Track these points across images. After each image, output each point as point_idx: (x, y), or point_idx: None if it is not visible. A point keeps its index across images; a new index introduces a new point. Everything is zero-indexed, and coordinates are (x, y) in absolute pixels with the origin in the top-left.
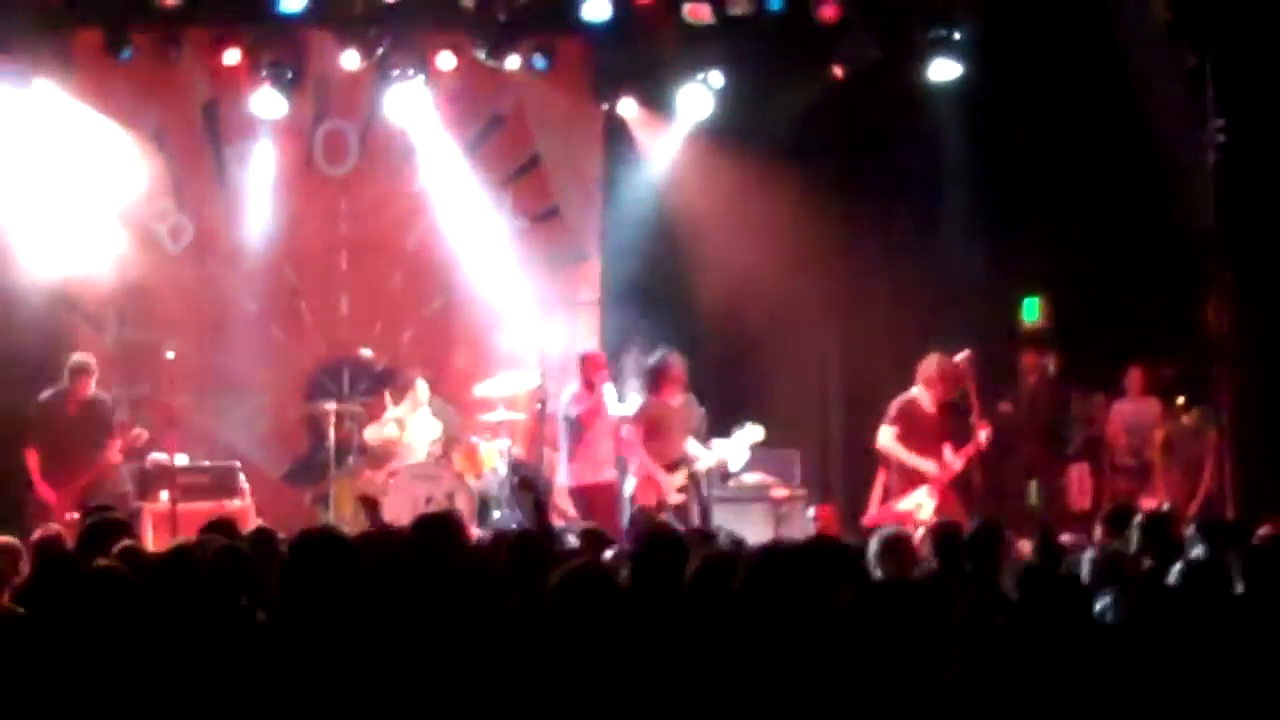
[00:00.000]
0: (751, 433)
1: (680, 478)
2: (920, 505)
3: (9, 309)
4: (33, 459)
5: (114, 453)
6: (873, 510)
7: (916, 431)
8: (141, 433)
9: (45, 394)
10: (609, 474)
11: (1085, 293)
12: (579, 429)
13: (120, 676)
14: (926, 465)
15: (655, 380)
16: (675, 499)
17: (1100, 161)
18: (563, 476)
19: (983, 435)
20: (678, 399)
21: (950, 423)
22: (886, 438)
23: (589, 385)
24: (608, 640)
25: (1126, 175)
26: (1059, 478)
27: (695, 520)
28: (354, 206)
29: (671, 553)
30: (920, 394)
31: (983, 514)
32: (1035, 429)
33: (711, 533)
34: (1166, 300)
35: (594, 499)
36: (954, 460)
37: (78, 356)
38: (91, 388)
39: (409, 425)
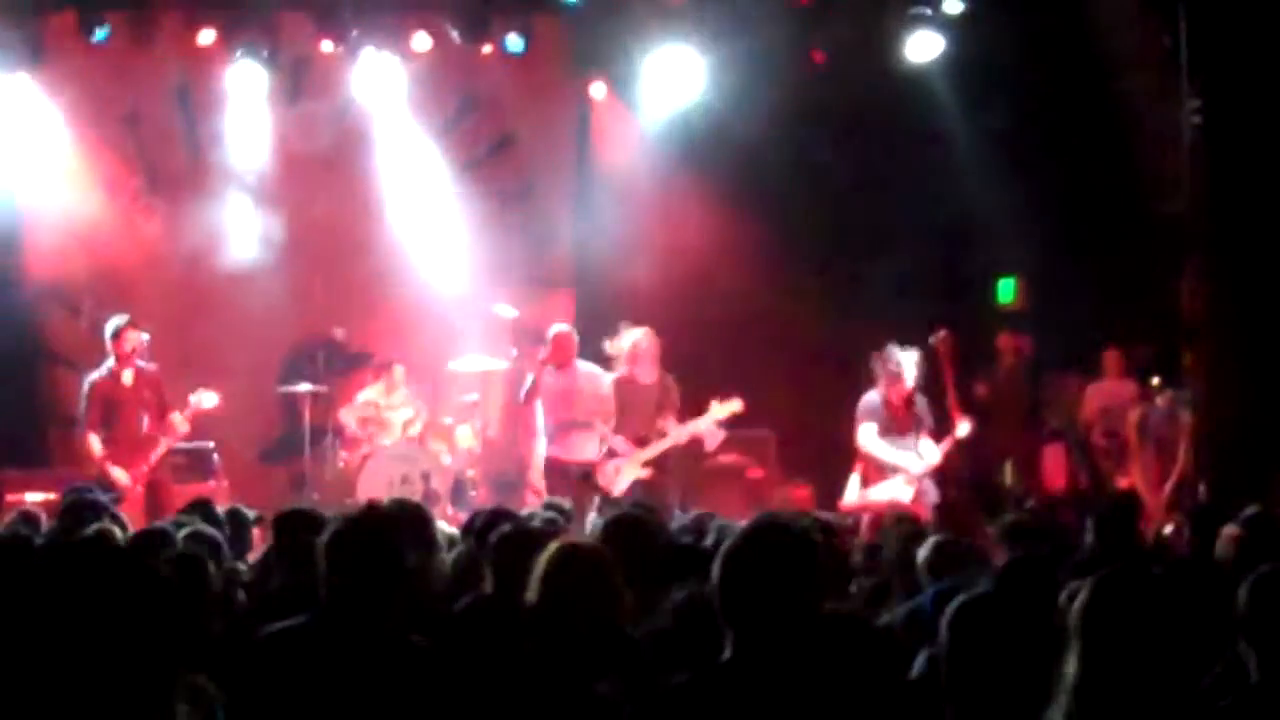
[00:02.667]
0: (728, 406)
1: (647, 454)
2: (897, 495)
3: None
4: (94, 443)
5: (180, 423)
6: (850, 497)
7: (892, 422)
8: (202, 397)
9: (94, 374)
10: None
11: (1060, 274)
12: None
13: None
14: (906, 463)
15: (626, 358)
16: (641, 473)
17: (1075, 143)
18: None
19: (963, 429)
20: (649, 377)
21: (922, 418)
22: (867, 437)
23: (559, 363)
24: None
25: (1101, 157)
26: (1034, 459)
27: (672, 499)
28: (328, 188)
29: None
30: (882, 390)
31: (959, 496)
32: (1010, 410)
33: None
34: (1141, 282)
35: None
36: (933, 454)
37: (130, 334)
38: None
39: (385, 406)
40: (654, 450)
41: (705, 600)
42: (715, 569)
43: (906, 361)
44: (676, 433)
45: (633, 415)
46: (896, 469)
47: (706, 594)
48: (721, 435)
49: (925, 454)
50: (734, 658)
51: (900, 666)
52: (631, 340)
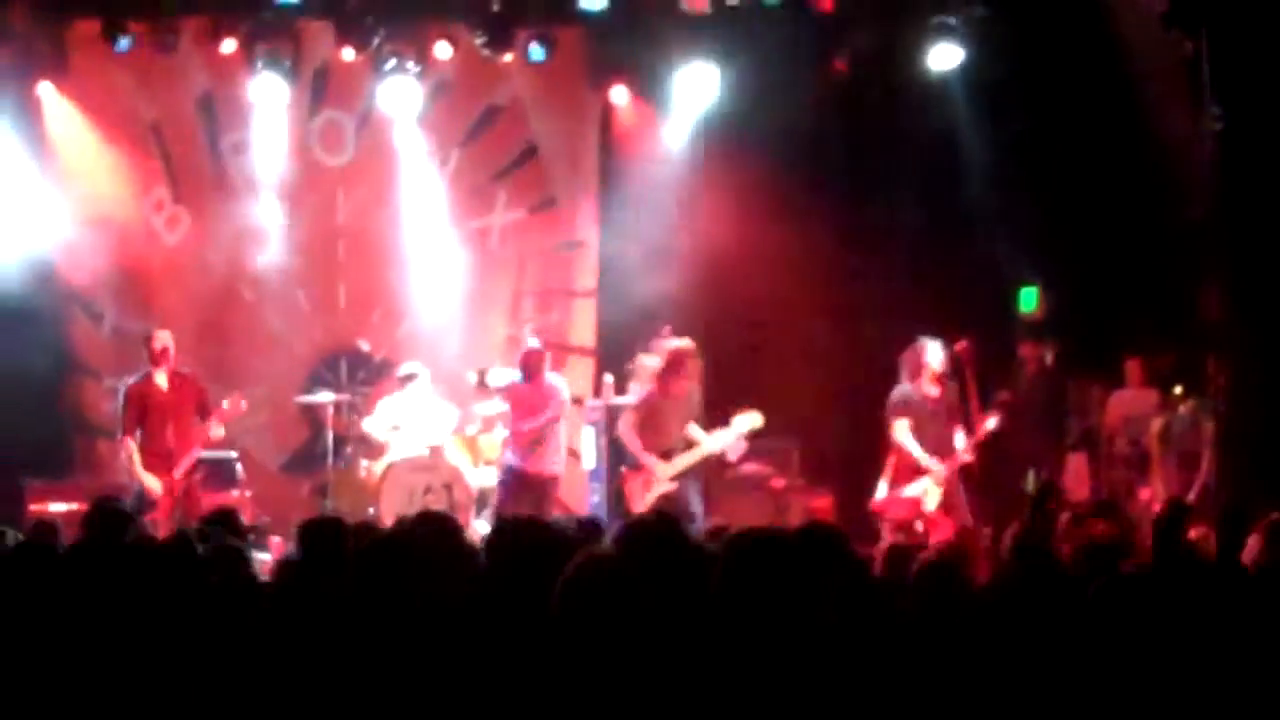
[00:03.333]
0: (750, 419)
1: (674, 467)
2: (927, 492)
3: (7, 301)
4: (132, 448)
5: (217, 427)
6: (880, 495)
7: (924, 420)
8: (239, 399)
9: (131, 379)
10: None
11: (1083, 282)
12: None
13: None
14: (935, 466)
15: (663, 370)
16: (667, 487)
17: (1097, 151)
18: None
19: (990, 423)
20: (682, 389)
21: (953, 408)
22: (901, 431)
23: (528, 376)
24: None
25: (1123, 164)
26: (1056, 467)
27: (695, 508)
28: (351, 197)
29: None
30: (911, 386)
31: (983, 503)
32: (1033, 419)
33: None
34: (1163, 290)
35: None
36: (964, 451)
37: (159, 334)
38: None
39: (408, 417)
40: (682, 463)
41: None
42: None
43: (934, 351)
44: (703, 446)
45: (662, 429)
46: (928, 469)
47: None
48: (744, 446)
49: (958, 447)
50: None
51: None
52: (669, 351)
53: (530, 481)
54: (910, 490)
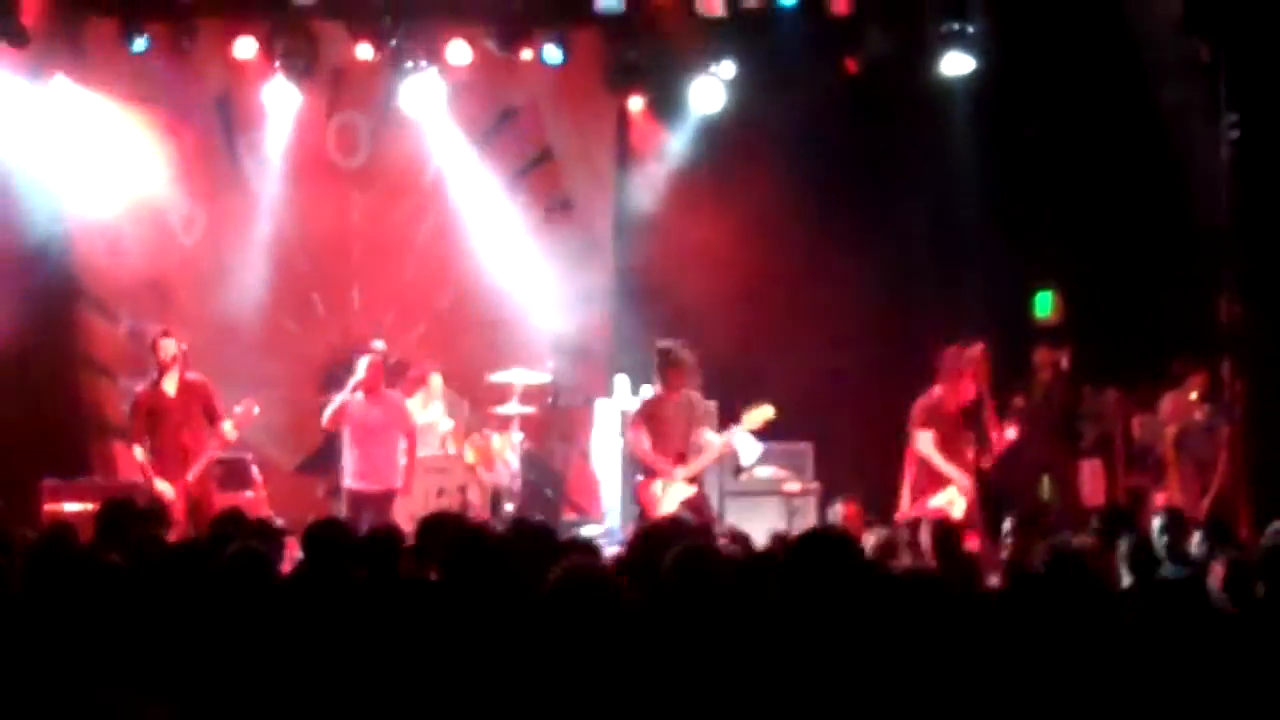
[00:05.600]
0: (760, 413)
1: (689, 469)
2: (952, 502)
3: (22, 300)
4: (140, 455)
5: (229, 431)
6: (905, 507)
7: (948, 431)
8: (251, 404)
9: (139, 386)
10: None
11: (1098, 288)
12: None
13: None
14: (961, 479)
15: (660, 374)
16: (687, 491)
17: (1113, 156)
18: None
19: (1010, 433)
20: (682, 392)
21: (973, 417)
22: (925, 444)
23: (369, 390)
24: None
25: (1140, 170)
26: (1072, 474)
27: (710, 513)
28: (366, 198)
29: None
30: (942, 391)
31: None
32: (1048, 425)
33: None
34: (1179, 296)
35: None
36: (982, 463)
37: (165, 343)
38: (181, 369)
39: (421, 418)
40: (695, 466)
41: None
42: None
43: (969, 360)
44: (713, 446)
45: (670, 433)
46: (951, 480)
47: None
48: (760, 449)
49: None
50: None
51: None
52: (665, 354)
53: (366, 499)
54: (936, 501)
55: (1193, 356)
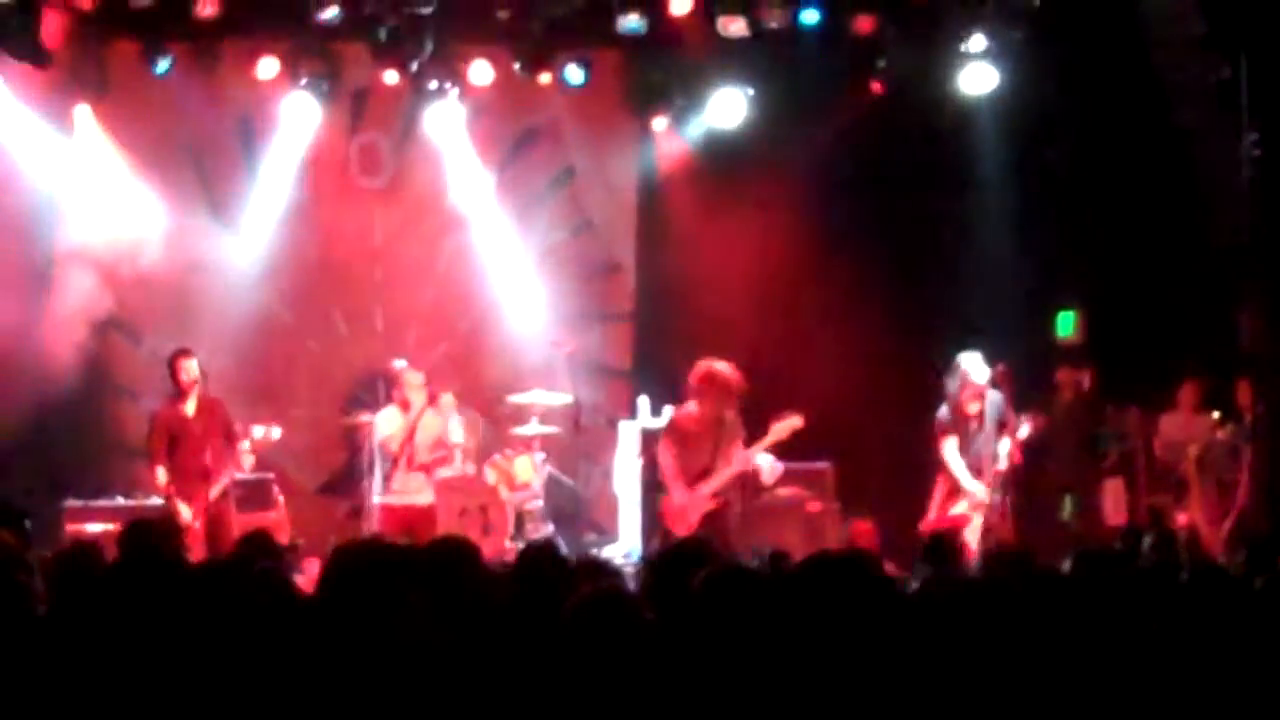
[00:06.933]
0: (788, 423)
1: (711, 485)
2: (971, 510)
3: (44, 323)
4: (160, 475)
5: (246, 454)
6: (932, 515)
7: (968, 438)
8: (270, 429)
9: (158, 407)
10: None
11: (1120, 307)
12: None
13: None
14: (977, 490)
15: (694, 390)
16: (705, 507)
17: (1134, 175)
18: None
19: (1023, 431)
20: (711, 411)
21: (992, 406)
22: (949, 451)
23: (405, 405)
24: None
25: (1161, 189)
26: (1094, 493)
27: (731, 529)
28: (389, 219)
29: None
30: (955, 401)
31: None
32: (1070, 444)
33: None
34: (1200, 315)
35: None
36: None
37: (186, 364)
38: (201, 390)
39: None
40: (717, 480)
41: None
42: None
43: (972, 364)
44: (739, 459)
45: (696, 449)
46: (969, 492)
47: None
48: (780, 469)
49: (1000, 455)
50: None
51: None
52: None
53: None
54: (959, 508)
55: (1195, 374)
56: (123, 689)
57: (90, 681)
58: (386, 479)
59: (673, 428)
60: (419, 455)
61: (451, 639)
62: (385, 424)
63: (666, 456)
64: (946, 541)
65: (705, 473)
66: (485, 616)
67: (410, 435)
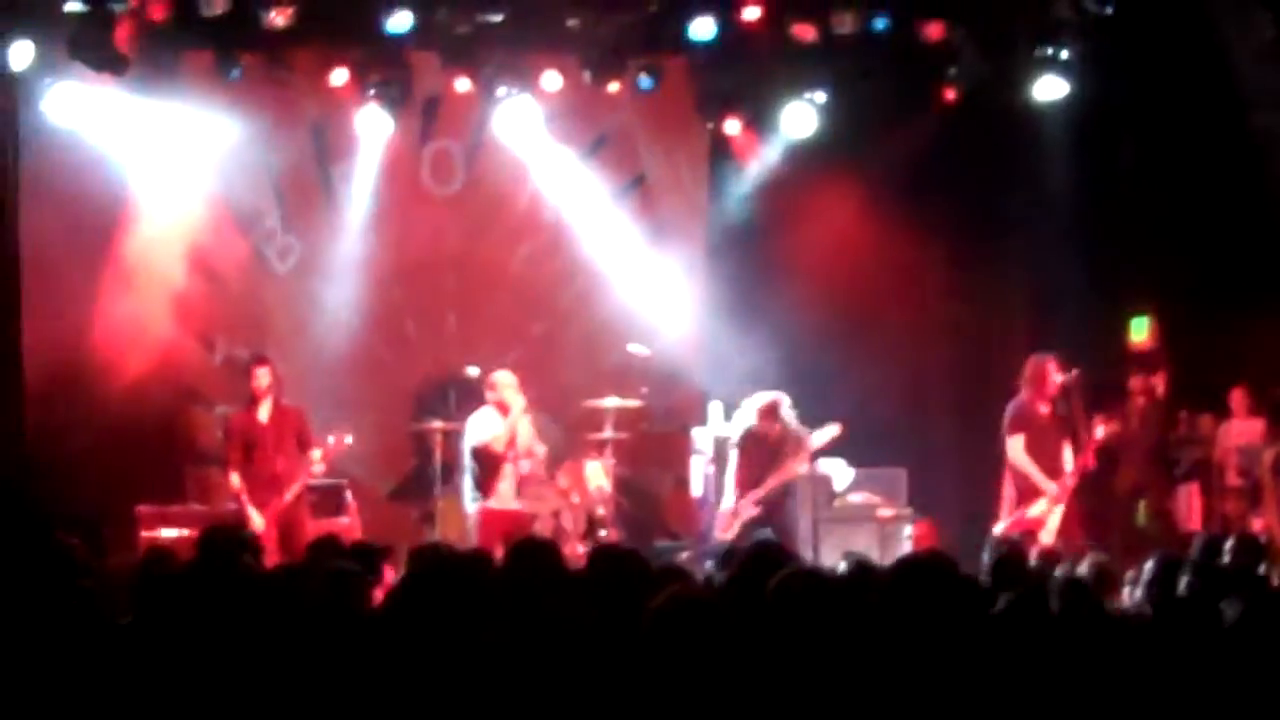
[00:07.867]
0: (825, 432)
1: (758, 494)
2: (1047, 511)
3: (118, 329)
4: (236, 482)
5: (317, 463)
6: (1004, 519)
7: (1039, 437)
8: (342, 436)
9: (233, 412)
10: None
11: (1194, 313)
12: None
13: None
14: (1049, 486)
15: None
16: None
17: (1207, 181)
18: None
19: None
20: (773, 431)
21: (1064, 427)
22: (1015, 449)
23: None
24: (709, 671)
25: (1233, 195)
26: (1168, 499)
27: (801, 533)
28: (461, 226)
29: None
30: (1027, 396)
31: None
32: (1144, 450)
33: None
34: (1275, 320)
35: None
36: (1069, 476)
37: (260, 371)
38: (275, 397)
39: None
40: (762, 490)
41: None
42: None
43: (1046, 367)
44: (785, 470)
45: (754, 462)
46: (1042, 489)
47: None
48: (852, 475)
49: (1067, 467)
50: None
51: None
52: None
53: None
54: (1033, 511)
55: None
56: (198, 694)
57: (165, 686)
58: (485, 484)
59: (743, 438)
60: (521, 459)
61: (530, 643)
62: (482, 428)
63: (733, 464)
64: (1013, 560)
65: (756, 482)
66: (565, 621)
67: (513, 438)
